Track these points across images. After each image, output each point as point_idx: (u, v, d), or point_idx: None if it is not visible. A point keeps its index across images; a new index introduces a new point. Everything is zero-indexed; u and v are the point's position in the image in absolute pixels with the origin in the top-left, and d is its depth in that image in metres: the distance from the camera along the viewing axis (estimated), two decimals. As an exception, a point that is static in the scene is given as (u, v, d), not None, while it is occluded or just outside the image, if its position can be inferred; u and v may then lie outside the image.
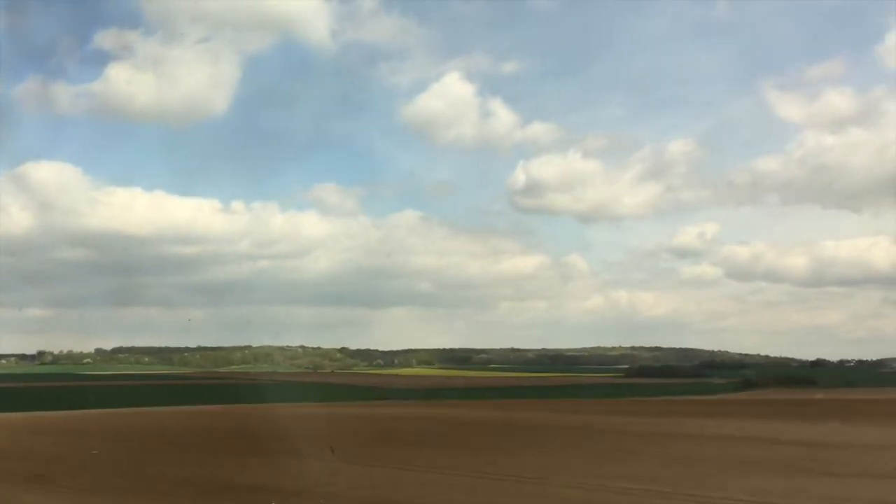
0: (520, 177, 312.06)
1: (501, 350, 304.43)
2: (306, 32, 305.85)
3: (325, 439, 44.06)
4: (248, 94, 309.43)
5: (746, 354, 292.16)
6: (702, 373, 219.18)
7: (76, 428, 56.81)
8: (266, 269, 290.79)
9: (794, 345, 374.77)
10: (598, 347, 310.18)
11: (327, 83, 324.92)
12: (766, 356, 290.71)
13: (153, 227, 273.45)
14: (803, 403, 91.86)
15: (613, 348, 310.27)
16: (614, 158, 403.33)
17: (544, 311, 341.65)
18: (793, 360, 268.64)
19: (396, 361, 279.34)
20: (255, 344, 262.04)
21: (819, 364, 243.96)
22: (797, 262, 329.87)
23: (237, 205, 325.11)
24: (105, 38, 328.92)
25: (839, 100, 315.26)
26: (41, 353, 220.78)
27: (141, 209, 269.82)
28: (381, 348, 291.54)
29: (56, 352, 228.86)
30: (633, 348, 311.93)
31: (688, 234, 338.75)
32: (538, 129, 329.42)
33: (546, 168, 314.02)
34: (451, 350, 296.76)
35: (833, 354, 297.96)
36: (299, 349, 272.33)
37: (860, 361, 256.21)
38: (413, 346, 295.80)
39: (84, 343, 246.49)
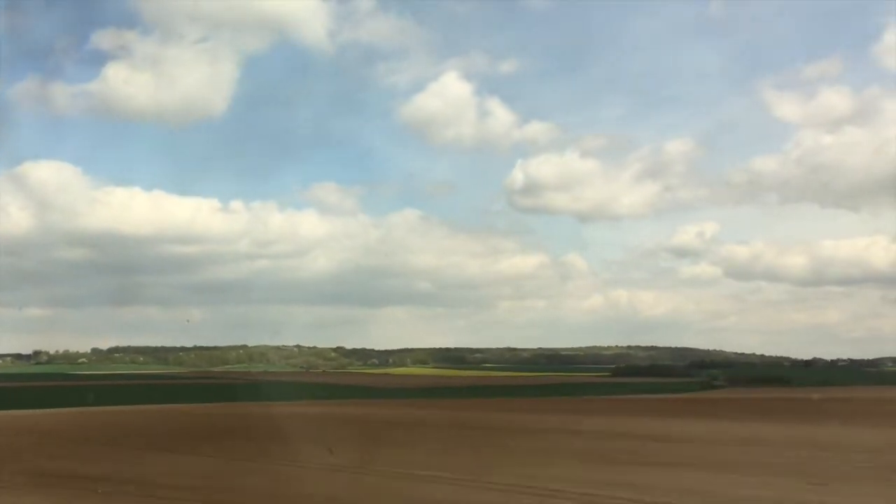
0: (518, 176, 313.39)
1: (497, 350, 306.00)
2: (304, 32, 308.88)
3: (243, 436, 46.80)
4: (247, 93, 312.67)
5: (741, 354, 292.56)
6: (689, 372, 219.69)
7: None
8: (265, 268, 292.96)
9: (792, 344, 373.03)
10: (594, 347, 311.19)
11: (325, 83, 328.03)
12: (762, 355, 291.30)
13: (152, 226, 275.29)
14: (732, 402, 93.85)
15: (609, 347, 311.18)
16: (612, 158, 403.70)
17: (543, 310, 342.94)
18: (787, 359, 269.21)
19: (391, 361, 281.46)
20: (251, 343, 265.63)
21: (811, 364, 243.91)
22: (796, 261, 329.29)
23: (236, 204, 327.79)
24: (103, 38, 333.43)
25: (836, 99, 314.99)
26: (37, 353, 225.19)
27: (140, 209, 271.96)
28: (378, 348, 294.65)
29: (52, 351, 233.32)
30: (629, 347, 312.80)
31: (686, 234, 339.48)
32: (536, 129, 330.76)
33: (544, 167, 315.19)
34: (447, 350, 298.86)
35: (832, 353, 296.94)
36: (295, 348, 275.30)
37: (852, 360, 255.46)
38: (411, 346, 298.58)
39: (82, 343, 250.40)
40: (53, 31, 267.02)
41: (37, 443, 46.62)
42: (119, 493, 27.42)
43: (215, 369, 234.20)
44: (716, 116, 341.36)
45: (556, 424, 57.87)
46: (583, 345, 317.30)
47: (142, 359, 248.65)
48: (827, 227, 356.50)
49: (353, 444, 41.72)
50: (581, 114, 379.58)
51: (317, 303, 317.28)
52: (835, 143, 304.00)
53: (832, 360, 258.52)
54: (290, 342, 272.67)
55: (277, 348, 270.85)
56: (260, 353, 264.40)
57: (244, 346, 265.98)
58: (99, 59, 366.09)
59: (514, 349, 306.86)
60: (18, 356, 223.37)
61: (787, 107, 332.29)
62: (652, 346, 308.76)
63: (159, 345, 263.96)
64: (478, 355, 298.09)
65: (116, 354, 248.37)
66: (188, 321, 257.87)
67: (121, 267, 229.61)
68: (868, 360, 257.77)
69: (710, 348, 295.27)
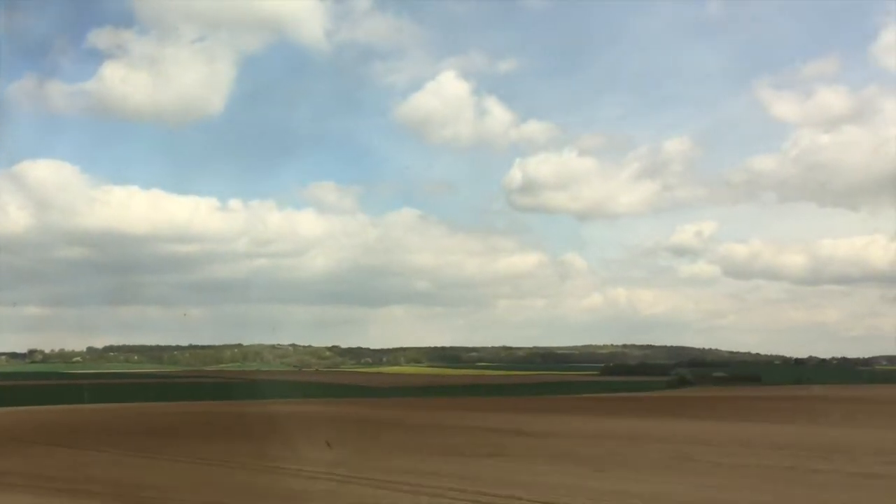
0: (516, 175, 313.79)
1: (493, 348, 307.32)
2: (301, 32, 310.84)
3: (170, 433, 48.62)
4: (244, 93, 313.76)
5: (737, 352, 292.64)
6: (668, 371, 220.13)
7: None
8: (263, 267, 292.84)
9: (791, 343, 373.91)
10: (589, 346, 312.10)
11: (323, 82, 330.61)
12: (757, 354, 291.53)
13: (150, 225, 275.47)
14: (670, 400, 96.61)
15: (604, 346, 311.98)
16: (610, 157, 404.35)
17: (542, 309, 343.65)
18: (780, 357, 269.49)
19: (385, 360, 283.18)
20: (246, 342, 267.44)
21: (801, 362, 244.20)
22: (795, 260, 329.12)
23: (234, 203, 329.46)
24: (99, 37, 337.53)
25: (834, 98, 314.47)
26: (32, 352, 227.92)
27: (138, 208, 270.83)
28: (375, 347, 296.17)
29: (48, 350, 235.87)
30: (624, 346, 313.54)
31: (685, 233, 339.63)
32: (534, 128, 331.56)
33: (542, 166, 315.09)
34: (443, 348, 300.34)
35: (831, 352, 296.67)
36: (290, 347, 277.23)
37: (846, 359, 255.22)
38: (408, 345, 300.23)
39: (80, 341, 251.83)
40: (50, 30, 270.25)
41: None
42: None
43: (208, 368, 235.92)
44: (714, 116, 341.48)
45: (454, 421, 59.89)
46: (581, 344, 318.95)
47: (136, 357, 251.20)
48: (825, 225, 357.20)
49: (237, 439, 43.90)
50: (579, 113, 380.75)
51: (315, 302, 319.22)
52: (833, 142, 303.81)
53: (826, 359, 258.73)
54: (288, 341, 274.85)
55: (272, 347, 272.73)
56: (254, 352, 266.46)
57: (239, 346, 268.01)
58: (96, 59, 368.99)
59: (510, 348, 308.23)
60: (14, 355, 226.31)
61: (785, 106, 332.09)
62: (647, 345, 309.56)
63: (156, 344, 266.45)
64: (473, 354, 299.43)
65: (111, 353, 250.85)
66: (185, 314, 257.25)
67: (119, 266, 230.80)
68: (863, 359, 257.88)
69: (709, 347, 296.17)
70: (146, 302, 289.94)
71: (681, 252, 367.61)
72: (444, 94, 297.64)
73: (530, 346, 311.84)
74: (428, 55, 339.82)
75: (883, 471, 30.21)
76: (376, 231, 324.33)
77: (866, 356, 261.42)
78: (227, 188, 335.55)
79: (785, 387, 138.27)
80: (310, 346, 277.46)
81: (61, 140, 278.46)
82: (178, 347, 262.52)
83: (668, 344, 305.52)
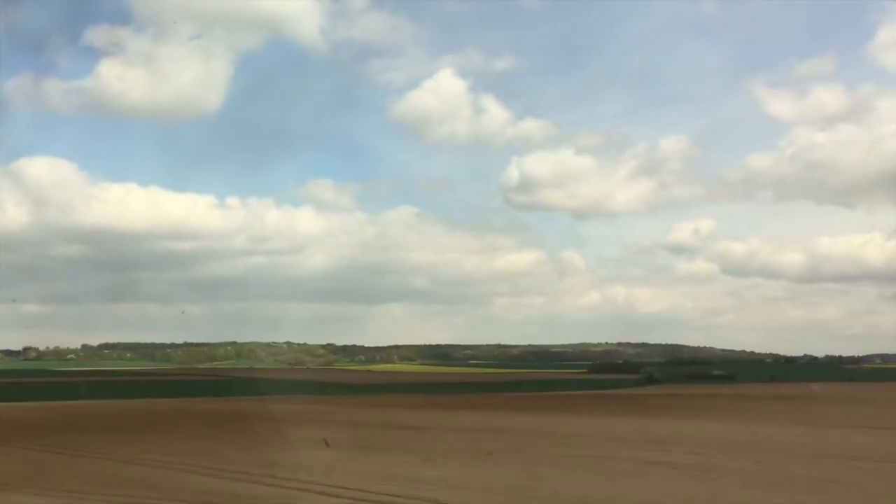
0: (513, 173, 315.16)
1: (487, 346, 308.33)
2: (297, 30, 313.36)
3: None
4: (241, 91, 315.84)
5: (732, 350, 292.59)
6: (665, 369, 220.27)
7: None
8: (261, 265, 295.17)
9: (789, 341, 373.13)
10: (583, 343, 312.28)
11: (320, 80, 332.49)
12: (752, 352, 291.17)
13: (148, 222, 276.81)
14: (615, 398, 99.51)
15: (599, 344, 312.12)
16: (607, 155, 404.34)
17: (540, 307, 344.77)
18: (772, 355, 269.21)
19: (379, 357, 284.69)
20: (242, 340, 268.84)
21: (792, 360, 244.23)
22: (792, 258, 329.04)
23: (232, 201, 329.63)
24: (96, 35, 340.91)
25: (830, 97, 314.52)
26: (26, 349, 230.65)
27: (136, 205, 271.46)
28: (371, 345, 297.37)
29: (42, 348, 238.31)
30: (619, 344, 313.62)
31: (682, 231, 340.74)
32: (531, 126, 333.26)
33: (540, 164, 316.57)
34: (437, 346, 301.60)
35: (828, 350, 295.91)
36: (284, 345, 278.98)
37: (841, 357, 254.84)
38: (403, 343, 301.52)
39: (77, 339, 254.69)
40: (47, 28, 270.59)
41: None
42: None
43: (201, 366, 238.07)
44: (711, 114, 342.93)
45: (364, 418, 61.97)
46: (577, 342, 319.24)
47: (129, 355, 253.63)
48: (822, 224, 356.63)
49: (124, 433, 46.23)
50: (576, 111, 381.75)
51: (313, 300, 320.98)
52: (829, 140, 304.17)
53: (818, 357, 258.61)
54: (284, 339, 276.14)
55: (267, 345, 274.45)
56: (248, 350, 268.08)
57: (234, 343, 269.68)
58: (93, 56, 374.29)
59: (504, 346, 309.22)
60: (8, 352, 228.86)
61: (781, 104, 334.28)
62: (642, 343, 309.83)
63: (152, 341, 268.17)
64: (467, 352, 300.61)
65: (105, 351, 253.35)
66: (182, 312, 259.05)
67: (116, 263, 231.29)
68: (856, 357, 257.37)
69: (704, 345, 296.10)
70: (143, 299, 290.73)
71: (678, 250, 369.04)
72: (442, 92, 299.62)
73: (527, 343, 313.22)
74: (425, 53, 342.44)
75: (666, 458, 33.12)
76: (374, 229, 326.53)
77: (863, 354, 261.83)
78: (224, 186, 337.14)
79: (754, 384, 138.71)
80: (305, 344, 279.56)
81: (59, 137, 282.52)
82: (173, 345, 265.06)
83: (664, 342, 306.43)
